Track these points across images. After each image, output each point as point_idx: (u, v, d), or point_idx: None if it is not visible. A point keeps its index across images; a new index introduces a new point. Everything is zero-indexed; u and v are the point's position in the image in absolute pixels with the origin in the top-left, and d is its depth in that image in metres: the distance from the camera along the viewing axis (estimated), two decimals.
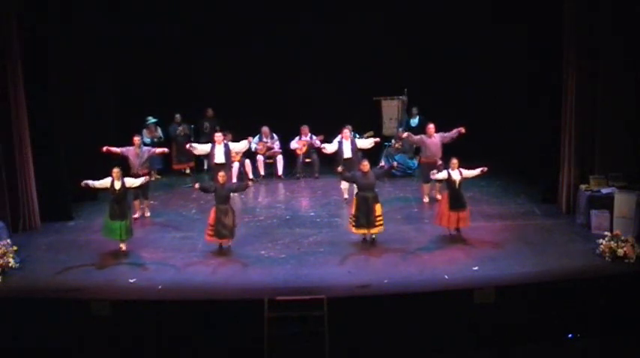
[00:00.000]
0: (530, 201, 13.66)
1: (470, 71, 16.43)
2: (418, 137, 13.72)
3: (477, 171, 11.77)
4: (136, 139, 13.31)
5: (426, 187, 13.66)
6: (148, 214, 13.38)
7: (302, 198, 14.76)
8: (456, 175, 11.58)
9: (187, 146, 14.28)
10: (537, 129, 13.93)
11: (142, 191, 13.00)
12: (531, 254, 10.97)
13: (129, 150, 13.10)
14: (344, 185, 13.69)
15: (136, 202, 13.09)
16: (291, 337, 9.39)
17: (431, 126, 13.55)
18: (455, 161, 11.66)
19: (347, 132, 13.70)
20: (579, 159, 12.52)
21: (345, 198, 13.75)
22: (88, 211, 13.62)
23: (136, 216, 12.92)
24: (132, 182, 11.71)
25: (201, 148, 14.00)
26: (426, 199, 13.71)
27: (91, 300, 9.67)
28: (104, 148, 12.90)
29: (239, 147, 14.07)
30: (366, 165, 11.62)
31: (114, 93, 15.35)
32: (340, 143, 13.67)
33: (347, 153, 13.60)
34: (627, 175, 11.96)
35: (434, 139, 13.45)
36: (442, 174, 11.74)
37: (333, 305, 9.44)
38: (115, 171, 11.52)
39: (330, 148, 13.77)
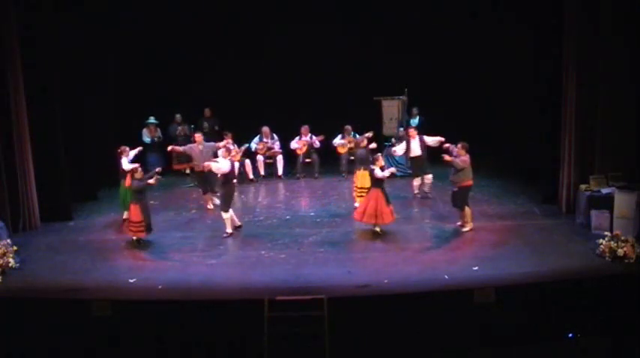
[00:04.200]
0: (530, 201, 13.66)
1: (470, 71, 16.44)
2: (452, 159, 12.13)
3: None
4: (198, 136, 13.90)
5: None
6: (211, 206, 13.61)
7: (302, 198, 14.77)
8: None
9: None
10: (537, 129, 13.93)
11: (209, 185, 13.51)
12: (531, 254, 10.97)
13: (192, 148, 13.65)
14: (416, 181, 14.00)
15: (206, 196, 13.63)
16: (291, 337, 9.39)
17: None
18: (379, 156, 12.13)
19: (413, 131, 13.96)
20: (579, 159, 12.52)
21: (416, 193, 14.15)
22: (88, 211, 13.65)
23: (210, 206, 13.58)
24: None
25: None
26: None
27: (92, 300, 9.67)
28: (169, 148, 13.87)
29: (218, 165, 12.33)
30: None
31: (114, 94, 15.37)
32: (408, 142, 13.83)
33: (416, 151, 13.82)
34: (627, 175, 11.95)
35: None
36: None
37: (333, 305, 9.44)
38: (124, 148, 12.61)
39: (400, 150, 14.08)
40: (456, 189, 12.11)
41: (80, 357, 9.66)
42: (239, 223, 12.47)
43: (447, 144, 12.59)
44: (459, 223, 12.22)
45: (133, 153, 13.03)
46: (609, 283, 10.08)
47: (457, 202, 12.15)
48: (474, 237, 11.79)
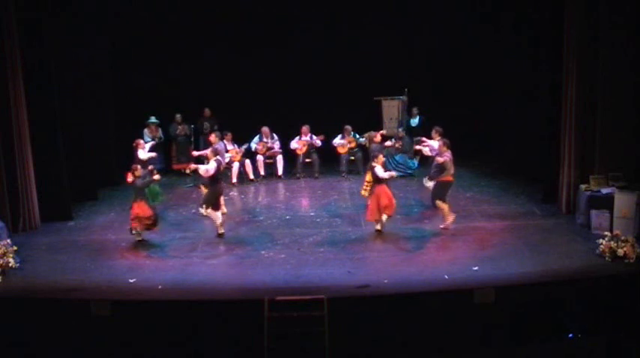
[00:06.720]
0: (530, 201, 13.65)
1: (470, 71, 16.45)
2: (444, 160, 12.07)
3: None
4: (213, 137, 14.20)
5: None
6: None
7: (302, 198, 14.77)
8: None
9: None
10: (538, 129, 13.93)
11: None
12: (531, 254, 10.97)
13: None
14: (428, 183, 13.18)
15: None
16: (291, 337, 9.39)
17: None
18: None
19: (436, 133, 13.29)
20: (579, 159, 12.51)
21: None
22: (88, 211, 13.65)
23: None
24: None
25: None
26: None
27: (91, 300, 9.67)
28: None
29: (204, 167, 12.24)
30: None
31: (114, 93, 15.38)
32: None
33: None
34: (627, 175, 11.95)
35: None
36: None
37: (333, 305, 9.44)
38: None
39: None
40: (435, 183, 12.19)
41: (80, 357, 9.66)
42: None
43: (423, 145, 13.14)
44: (441, 226, 12.13)
45: (148, 145, 13.87)
46: (609, 283, 10.08)
47: (433, 196, 12.15)
48: (474, 237, 11.78)
